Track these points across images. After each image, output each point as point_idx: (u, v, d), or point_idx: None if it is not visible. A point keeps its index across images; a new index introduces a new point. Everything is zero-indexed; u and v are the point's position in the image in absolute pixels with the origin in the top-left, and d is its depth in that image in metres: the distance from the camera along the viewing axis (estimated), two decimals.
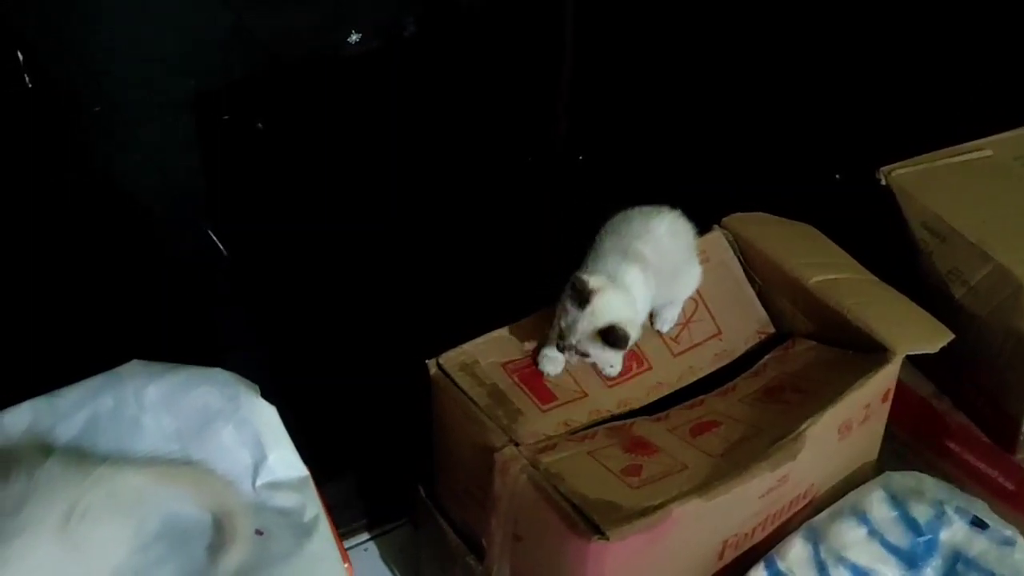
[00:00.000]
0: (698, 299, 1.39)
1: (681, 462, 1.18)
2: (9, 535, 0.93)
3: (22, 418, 1.11)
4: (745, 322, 1.42)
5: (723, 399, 1.32)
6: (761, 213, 1.48)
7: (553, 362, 1.28)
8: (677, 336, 1.37)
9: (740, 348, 1.40)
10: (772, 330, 1.42)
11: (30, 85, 1.24)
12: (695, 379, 1.36)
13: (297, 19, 1.43)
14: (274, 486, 1.12)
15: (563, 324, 1.23)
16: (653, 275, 1.27)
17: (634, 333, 1.24)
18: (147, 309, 1.47)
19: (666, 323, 1.37)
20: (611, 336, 1.21)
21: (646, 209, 1.32)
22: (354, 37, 1.42)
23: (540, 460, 1.16)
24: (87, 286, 1.42)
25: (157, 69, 1.35)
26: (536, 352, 1.30)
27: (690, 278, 1.37)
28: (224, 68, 1.42)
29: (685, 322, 1.39)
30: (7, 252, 1.36)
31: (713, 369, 1.38)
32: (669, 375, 1.35)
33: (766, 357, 1.37)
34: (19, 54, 1.23)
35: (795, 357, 1.36)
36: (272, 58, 1.44)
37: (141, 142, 1.42)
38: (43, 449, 1.05)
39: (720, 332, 1.40)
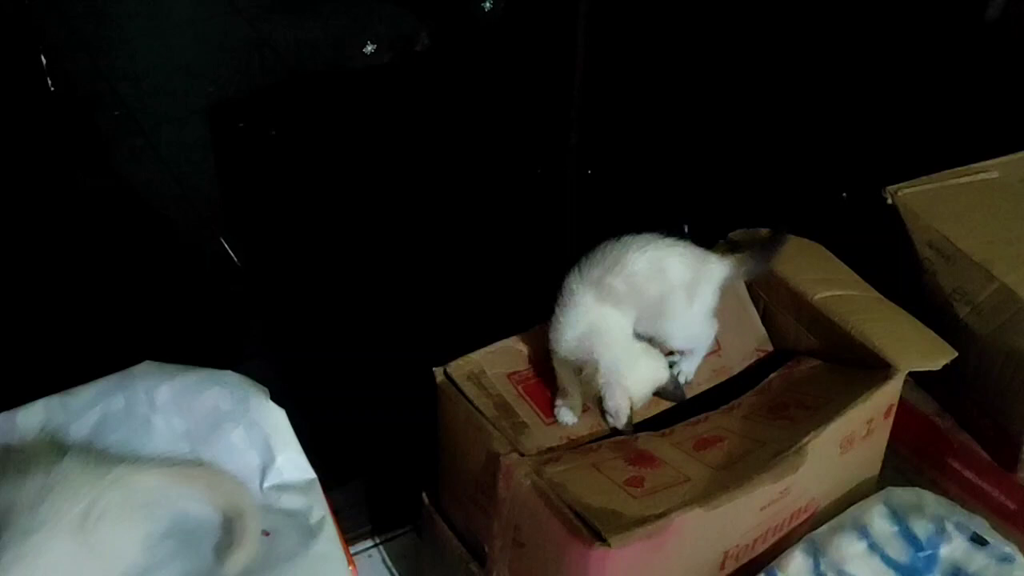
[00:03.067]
0: None
1: (684, 474, 1.19)
2: (26, 532, 0.94)
3: (35, 416, 1.13)
4: (745, 339, 1.43)
5: (727, 415, 1.33)
6: (767, 229, 1.49)
7: (571, 414, 1.29)
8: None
9: (738, 365, 1.41)
10: (771, 348, 1.43)
11: (52, 88, 1.27)
12: (693, 395, 1.37)
13: (314, 30, 1.45)
14: (281, 488, 1.13)
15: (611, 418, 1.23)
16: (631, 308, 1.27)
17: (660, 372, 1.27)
18: (160, 313, 1.49)
19: (682, 375, 1.36)
20: (667, 394, 1.26)
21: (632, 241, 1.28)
22: (369, 48, 1.44)
23: (544, 470, 1.17)
24: (101, 288, 1.44)
25: (177, 76, 1.37)
26: (553, 399, 1.30)
27: (688, 322, 1.32)
28: (241, 77, 1.44)
29: None
30: (24, 252, 1.38)
31: (711, 385, 1.39)
32: None
33: (772, 375, 1.38)
34: (43, 58, 1.25)
35: (800, 375, 1.37)
36: (288, 68, 1.46)
37: (158, 147, 1.44)
38: (57, 447, 1.07)
39: (720, 348, 1.41)
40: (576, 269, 1.28)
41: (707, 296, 1.32)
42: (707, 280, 1.31)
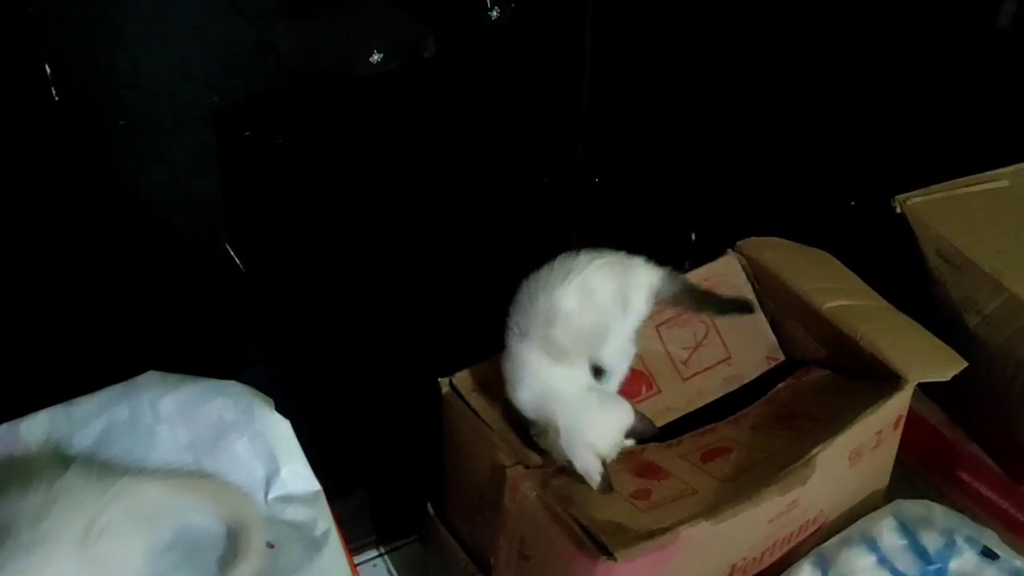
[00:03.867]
0: (709, 323, 1.40)
1: (691, 486, 1.18)
2: (28, 547, 0.93)
3: (39, 426, 1.12)
4: (755, 347, 1.42)
5: (735, 426, 1.32)
6: (775, 238, 1.48)
7: None
8: (687, 360, 1.38)
9: (749, 374, 1.40)
10: (782, 356, 1.42)
11: (57, 98, 1.26)
12: (703, 404, 1.37)
13: (320, 38, 1.45)
14: (286, 499, 1.12)
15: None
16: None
17: (624, 416, 1.18)
18: (164, 321, 1.48)
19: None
20: (639, 433, 1.18)
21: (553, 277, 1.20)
22: (376, 57, 1.44)
23: (550, 482, 1.16)
24: (105, 296, 1.44)
25: (181, 84, 1.37)
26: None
27: (621, 334, 1.23)
28: (247, 84, 1.43)
29: (695, 346, 1.39)
30: (28, 261, 1.38)
31: (721, 394, 1.38)
32: (677, 400, 1.35)
33: (779, 385, 1.37)
34: (47, 68, 1.25)
35: (808, 385, 1.36)
36: (294, 75, 1.46)
37: (163, 156, 1.44)
38: (61, 459, 1.06)
39: (730, 357, 1.40)
40: (513, 324, 1.21)
41: (639, 304, 1.24)
42: (635, 287, 1.24)
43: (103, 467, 1.05)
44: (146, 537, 1.00)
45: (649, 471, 1.21)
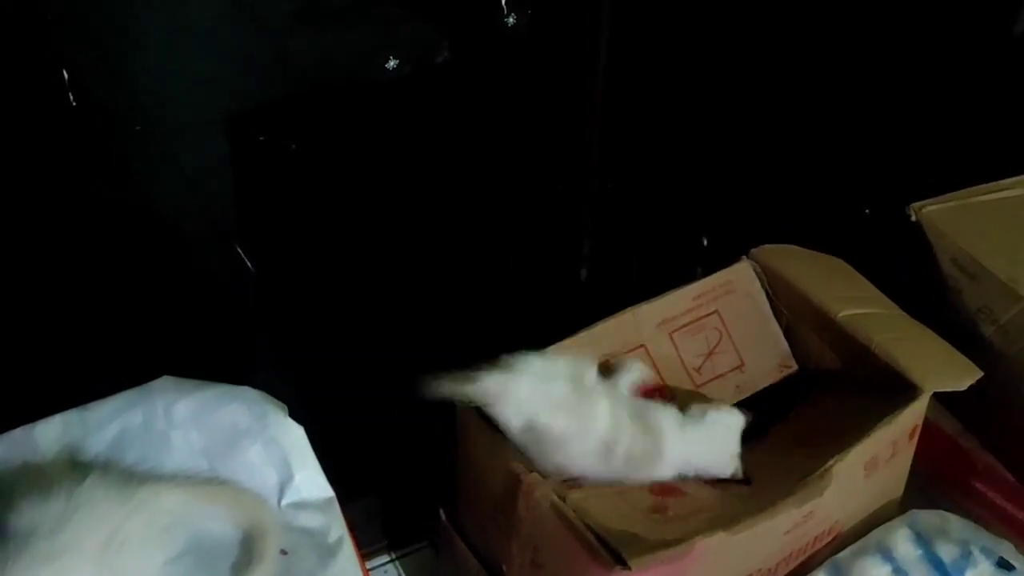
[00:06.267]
0: (723, 330, 1.40)
1: (708, 504, 1.18)
2: (46, 557, 0.92)
3: (53, 431, 1.12)
4: (767, 356, 1.41)
5: (751, 453, 1.30)
6: (790, 245, 1.48)
7: None
8: (700, 367, 1.37)
9: (761, 382, 1.40)
10: (794, 365, 1.42)
11: (74, 103, 1.26)
12: None
13: (335, 43, 1.45)
14: (299, 506, 1.12)
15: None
16: None
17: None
18: (177, 325, 1.48)
19: None
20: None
21: None
22: (391, 63, 1.44)
23: (566, 495, 1.16)
24: (118, 301, 1.44)
25: (196, 90, 1.37)
26: None
27: None
28: (261, 90, 1.43)
29: (708, 353, 1.39)
30: (41, 266, 1.38)
31: (733, 402, 1.37)
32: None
33: (796, 408, 1.36)
34: (64, 72, 1.25)
35: (823, 404, 1.36)
36: (308, 81, 1.46)
37: (176, 160, 1.44)
38: (78, 466, 1.06)
39: (743, 364, 1.40)
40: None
41: None
42: None
43: (121, 476, 1.04)
44: (164, 548, 1.00)
45: (665, 490, 1.20)
